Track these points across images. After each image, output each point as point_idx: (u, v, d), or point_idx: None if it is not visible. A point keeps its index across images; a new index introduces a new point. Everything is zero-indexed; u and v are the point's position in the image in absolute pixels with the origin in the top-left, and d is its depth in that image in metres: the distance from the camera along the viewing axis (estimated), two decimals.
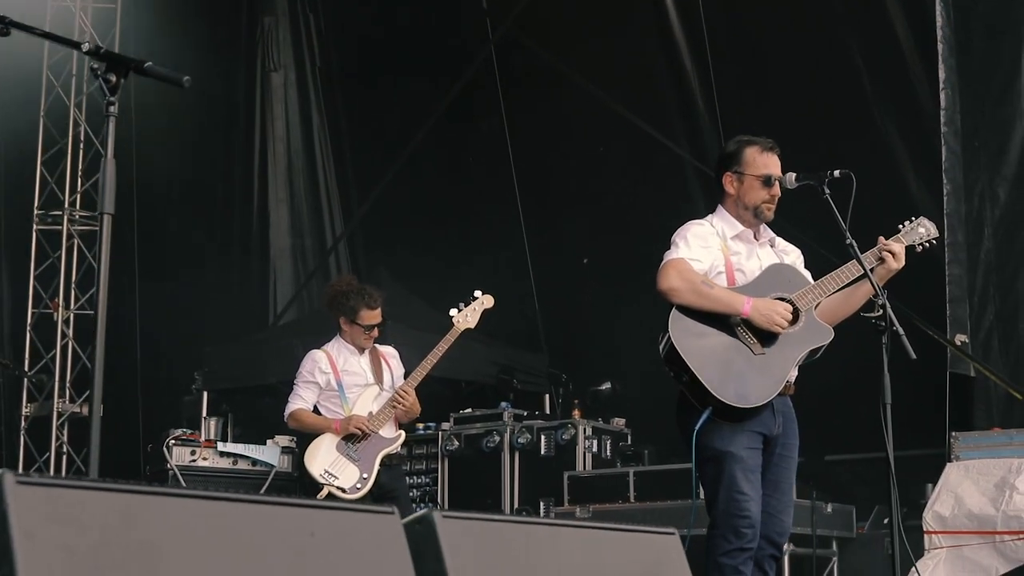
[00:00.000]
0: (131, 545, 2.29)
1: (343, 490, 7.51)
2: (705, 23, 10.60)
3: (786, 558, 8.28)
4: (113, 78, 4.04)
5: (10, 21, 4.04)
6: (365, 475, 7.56)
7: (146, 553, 2.32)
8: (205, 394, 11.32)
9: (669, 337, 5.39)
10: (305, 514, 2.66)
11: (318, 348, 7.92)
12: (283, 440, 9.53)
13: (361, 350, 7.86)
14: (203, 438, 9.83)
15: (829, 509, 8.80)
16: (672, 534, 3.63)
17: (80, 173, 12.84)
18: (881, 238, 5.56)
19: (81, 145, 12.91)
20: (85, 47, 4.07)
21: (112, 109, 4.03)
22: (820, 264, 5.84)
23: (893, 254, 5.49)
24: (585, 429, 9.72)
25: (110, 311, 12.17)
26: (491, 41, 12.01)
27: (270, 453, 9.54)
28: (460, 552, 2.76)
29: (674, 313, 5.42)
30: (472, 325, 7.79)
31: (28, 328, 12.62)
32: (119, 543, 2.28)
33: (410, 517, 2.87)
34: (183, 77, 4.17)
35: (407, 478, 9.93)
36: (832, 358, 5.61)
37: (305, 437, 7.86)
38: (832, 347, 5.53)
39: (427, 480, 10.14)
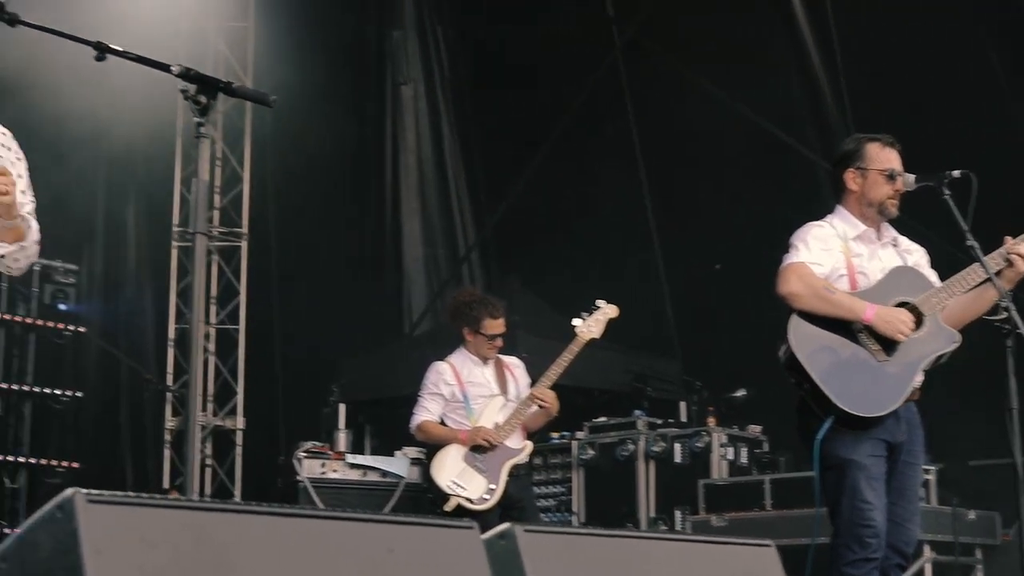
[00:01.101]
0: (202, 563, 2.29)
1: (471, 500, 7.51)
2: (833, 22, 10.44)
3: (928, 566, 8.10)
4: (203, 99, 4.07)
5: (105, 47, 4.10)
6: (492, 486, 7.55)
7: (218, 571, 2.31)
8: (342, 406, 11.41)
9: (789, 344, 5.28)
10: (383, 529, 2.63)
11: (442, 360, 7.93)
12: (412, 451, 9.55)
13: (485, 360, 7.85)
14: (334, 449, 9.91)
15: (972, 516, 8.59)
16: (768, 546, 3.53)
17: (217, 190, 13.06)
18: (1008, 238, 5.38)
19: (218, 162, 13.13)
20: (175, 69, 4.12)
21: (203, 130, 4.06)
22: (949, 262, 5.66)
23: (1022, 256, 5.31)
24: (720, 437, 9.64)
25: (250, 325, 12.42)
26: (617, 47, 11.96)
27: (399, 464, 9.57)
28: (542, 567, 2.72)
29: (794, 319, 5.32)
30: (597, 335, 7.73)
31: (170, 343, 12.84)
32: (190, 561, 2.28)
33: (491, 532, 2.83)
34: (270, 96, 4.22)
35: (542, 487, 9.95)
36: (976, 359, 5.43)
37: (433, 448, 7.86)
38: (981, 347, 5.35)
39: (562, 490, 10.12)
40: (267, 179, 12.96)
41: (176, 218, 12.80)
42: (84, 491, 2.15)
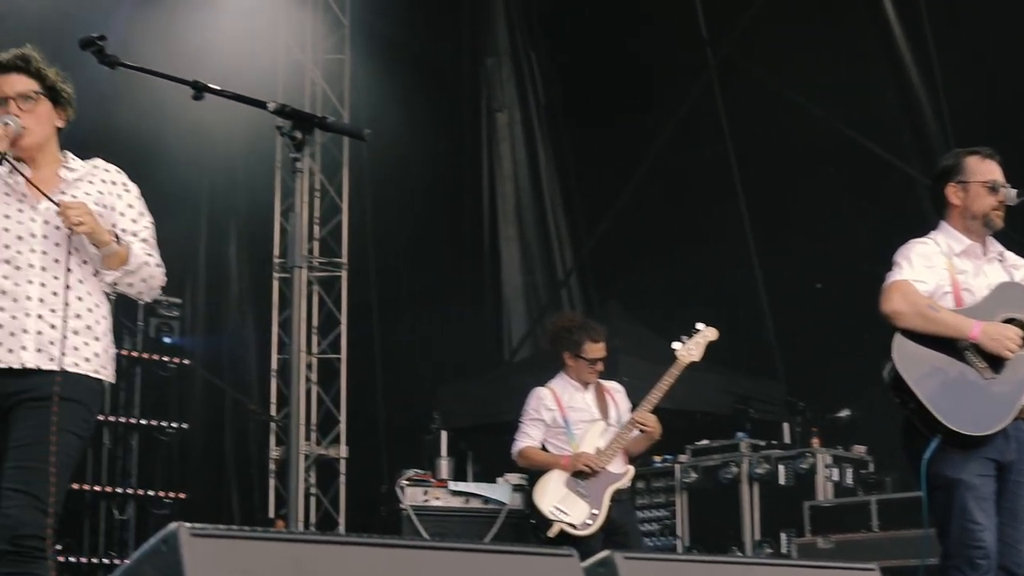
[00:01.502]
0: None
1: (573, 526, 7.49)
2: (931, 35, 10.32)
3: None
4: (298, 135, 4.14)
5: (203, 86, 4.18)
6: (595, 511, 7.52)
7: None
8: (444, 433, 11.44)
9: (893, 363, 5.21)
10: (483, 559, 2.63)
11: (543, 386, 7.92)
12: (513, 478, 9.55)
13: (586, 385, 7.83)
14: (436, 477, 9.94)
15: None
16: (872, 570, 3.47)
17: (316, 221, 13.19)
18: None
19: (317, 193, 13.26)
20: (271, 106, 4.20)
21: (299, 165, 4.12)
22: None
23: None
24: (825, 457, 9.53)
25: (351, 354, 12.52)
26: (711, 67, 11.92)
27: (501, 491, 9.57)
28: None
29: (898, 338, 5.25)
30: (697, 358, 7.70)
31: (273, 374, 12.96)
32: None
33: (591, 560, 2.81)
34: (364, 130, 4.29)
35: (645, 511, 9.91)
36: None
37: (535, 474, 7.85)
38: None
39: (665, 513, 10.06)
40: (366, 209, 13.07)
41: (276, 250, 12.93)
42: (188, 525, 2.17)
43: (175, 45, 11.54)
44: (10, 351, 4.37)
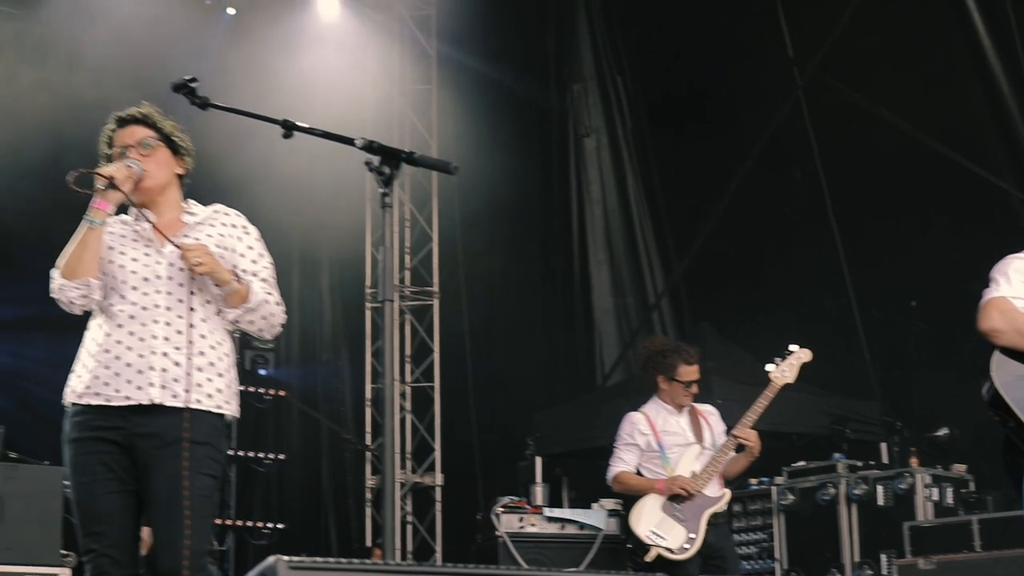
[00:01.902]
0: None
1: (671, 550, 7.47)
2: (1021, 45, 10.19)
3: None
4: (386, 170, 4.20)
5: (292, 125, 4.26)
6: (692, 535, 7.49)
7: None
8: (538, 459, 11.45)
9: (992, 381, 5.14)
10: None
11: (636, 410, 7.91)
12: (609, 503, 9.53)
13: (680, 408, 7.80)
14: (532, 503, 9.94)
15: None
16: None
17: (407, 250, 13.28)
18: None
19: (407, 223, 13.36)
20: (358, 143, 4.27)
21: (388, 200, 4.18)
22: None
23: None
24: (924, 477, 9.40)
25: (444, 382, 12.60)
26: (799, 86, 11.86)
27: (596, 516, 9.54)
28: None
29: (996, 356, 5.17)
30: (791, 380, 7.65)
31: (367, 403, 13.05)
32: None
33: None
34: (451, 164, 4.34)
35: (742, 534, 9.84)
36: None
37: (631, 499, 7.84)
38: None
39: (763, 536, 9.98)
40: (456, 237, 13.13)
41: (368, 280, 13.03)
42: (286, 558, 2.20)
43: (265, 83, 11.71)
44: (138, 388, 4.56)
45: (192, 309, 4.68)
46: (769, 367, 7.68)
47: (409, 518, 12.89)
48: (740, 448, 7.69)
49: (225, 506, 12.16)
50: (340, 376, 13.61)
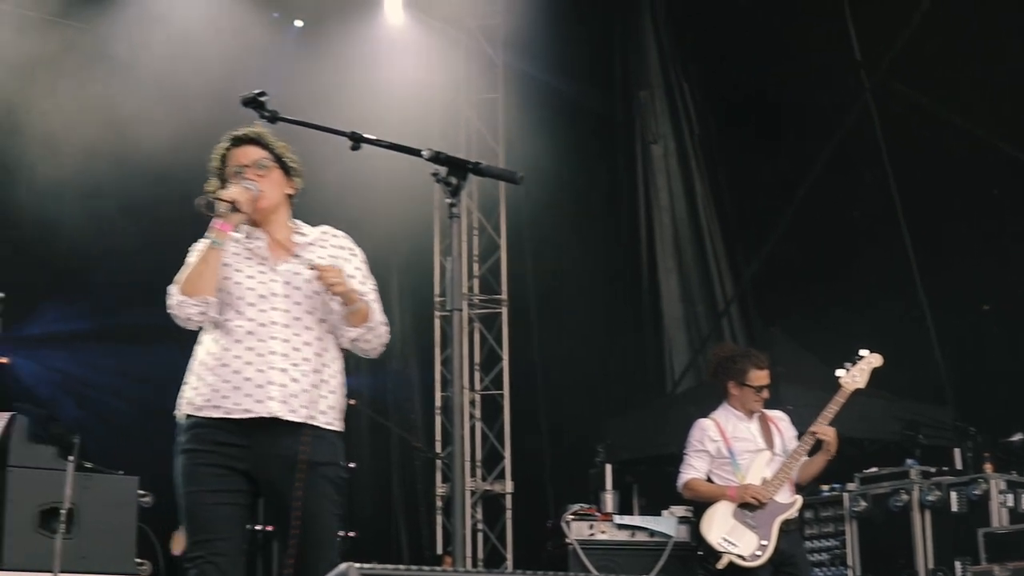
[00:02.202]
0: None
1: (742, 557, 7.45)
2: None
3: None
4: (453, 181, 4.25)
5: (360, 137, 4.32)
6: (764, 542, 7.47)
7: None
8: (608, 466, 11.44)
9: None
10: None
11: (706, 417, 7.89)
12: (679, 510, 9.51)
13: (751, 414, 7.78)
14: (602, 510, 9.94)
15: None
16: None
17: (475, 258, 13.33)
18: None
19: (475, 231, 13.40)
20: (425, 154, 4.34)
21: (455, 211, 4.24)
22: None
23: None
24: (999, 483, 9.29)
25: (514, 389, 12.62)
26: (867, 90, 11.80)
27: (667, 524, 9.53)
28: None
29: None
30: (861, 385, 7.63)
31: (437, 411, 13.10)
32: None
33: None
34: (517, 174, 4.38)
35: (814, 541, 9.79)
36: None
37: (701, 506, 7.83)
38: None
39: (835, 543, 9.91)
40: (524, 244, 13.16)
41: (437, 288, 13.09)
42: (357, 565, 2.22)
43: (332, 94, 11.81)
44: (258, 401, 4.67)
45: (308, 327, 4.82)
46: (839, 372, 7.66)
47: (479, 526, 12.93)
48: (814, 450, 7.66)
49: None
50: (410, 385, 13.68)
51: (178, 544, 10.70)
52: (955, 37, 11.15)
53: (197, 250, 4.82)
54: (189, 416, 4.73)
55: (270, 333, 4.75)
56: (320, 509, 4.68)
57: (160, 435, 11.51)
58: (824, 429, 7.56)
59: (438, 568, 2.45)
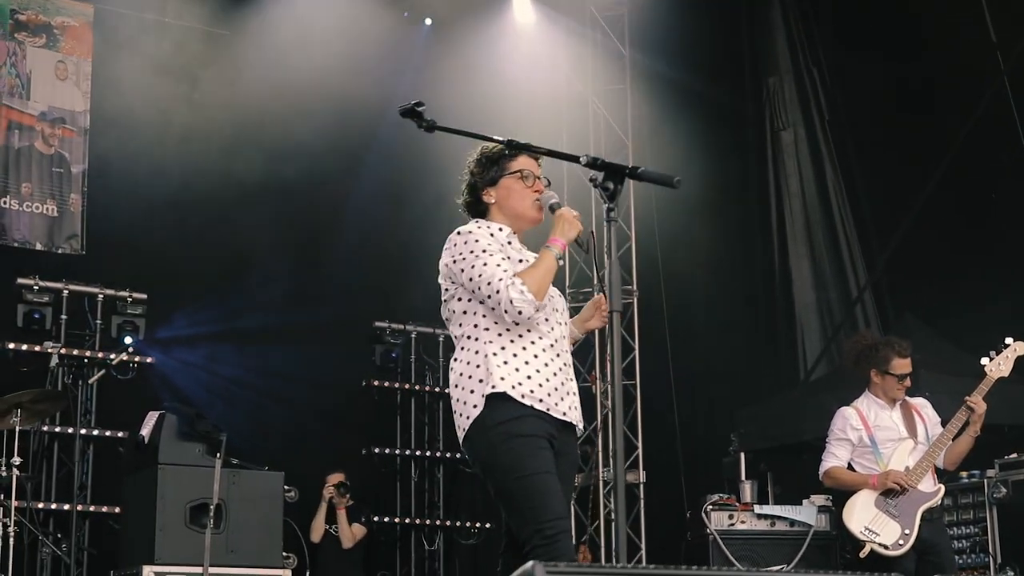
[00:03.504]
0: None
1: (885, 547, 7.40)
2: None
3: None
4: (611, 185, 4.29)
5: (516, 144, 4.40)
6: (907, 531, 7.42)
7: None
8: (742, 455, 11.43)
9: None
10: None
11: (847, 405, 7.86)
12: (819, 499, 9.48)
13: (893, 402, 7.73)
14: (741, 500, 9.94)
15: None
16: None
17: (606, 249, 13.31)
18: None
19: (604, 222, 13.39)
20: (583, 159, 4.41)
21: (612, 215, 4.28)
22: None
23: None
24: None
25: (645, 380, 12.57)
26: (1004, 71, 11.61)
27: (807, 513, 9.51)
28: None
29: None
30: (1005, 374, 7.54)
31: None
32: None
33: None
34: (674, 178, 4.39)
35: (953, 528, 9.70)
36: None
37: (841, 495, 7.80)
38: None
39: (976, 530, 9.81)
40: (654, 235, 13.15)
41: (568, 279, 13.12)
42: (543, 563, 2.28)
43: (465, 89, 11.93)
44: (571, 408, 4.98)
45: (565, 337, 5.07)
46: (984, 360, 7.57)
47: (613, 515, 12.94)
48: (960, 431, 7.58)
49: (433, 507, 12.41)
50: None
51: (316, 533, 10.93)
52: None
53: (498, 251, 4.95)
54: (528, 405, 4.84)
55: (564, 346, 5.02)
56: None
57: (302, 431, 11.79)
58: (976, 400, 7.49)
59: (627, 565, 2.50)
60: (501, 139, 4.66)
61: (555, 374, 4.89)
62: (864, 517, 7.51)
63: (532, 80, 12.64)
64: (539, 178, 5.07)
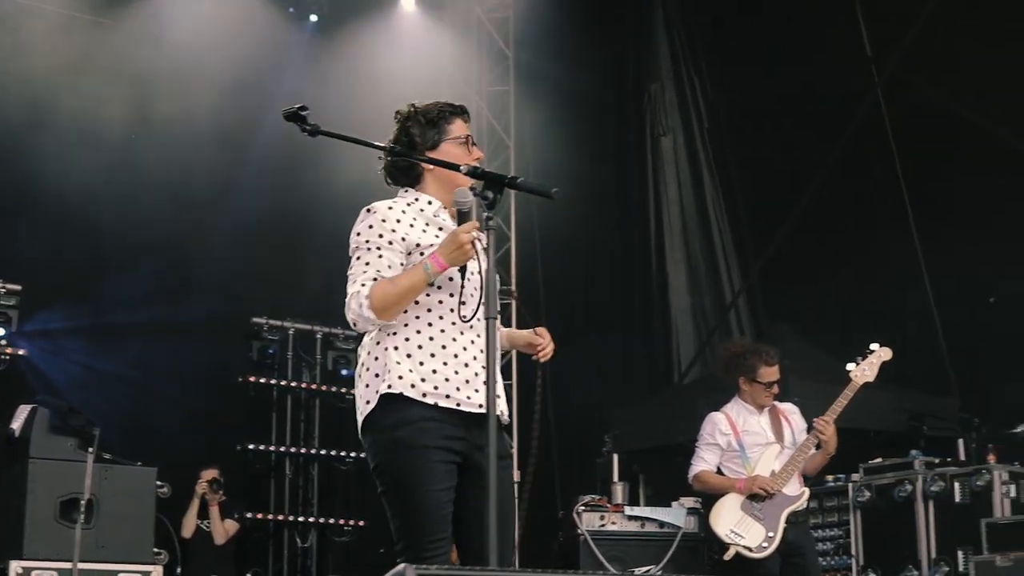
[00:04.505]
0: None
1: (749, 549, 7.55)
2: None
3: None
4: (490, 195, 4.29)
5: (399, 152, 4.39)
6: (771, 533, 7.57)
7: None
8: (615, 456, 11.54)
9: None
10: None
11: (717, 410, 8.01)
12: (688, 501, 9.63)
13: (761, 408, 7.89)
14: (612, 502, 10.05)
15: None
16: None
17: (484, 256, 13.36)
18: None
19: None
20: (463, 168, 4.38)
21: (491, 223, 4.26)
22: None
23: None
24: (1001, 474, 9.40)
25: (522, 380, 12.58)
26: (878, 85, 11.87)
27: (676, 515, 9.64)
28: None
29: None
30: (871, 379, 7.73)
31: None
32: None
33: None
34: (552, 189, 4.37)
35: (819, 531, 9.90)
36: None
37: (710, 498, 7.95)
38: None
39: (839, 533, 10.03)
40: (534, 236, 13.22)
41: None
42: (414, 566, 2.33)
43: (348, 87, 11.91)
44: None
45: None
46: (850, 366, 7.76)
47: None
48: (819, 444, 7.76)
49: (307, 504, 12.38)
50: None
51: (188, 528, 10.87)
52: (963, 32, 11.21)
53: (383, 247, 4.59)
54: (431, 404, 4.52)
55: (482, 330, 4.54)
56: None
57: (177, 426, 11.68)
58: (824, 427, 7.64)
59: (489, 568, 2.56)
60: (384, 145, 4.62)
61: (467, 364, 4.53)
62: (730, 520, 7.65)
63: (416, 80, 12.63)
64: (475, 144, 4.79)
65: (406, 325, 4.55)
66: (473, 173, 4.38)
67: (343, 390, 12.11)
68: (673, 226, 13.68)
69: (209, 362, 11.84)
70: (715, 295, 13.48)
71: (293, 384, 12.34)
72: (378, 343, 4.56)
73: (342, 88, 11.83)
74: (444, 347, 4.54)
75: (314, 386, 12.32)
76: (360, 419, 4.58)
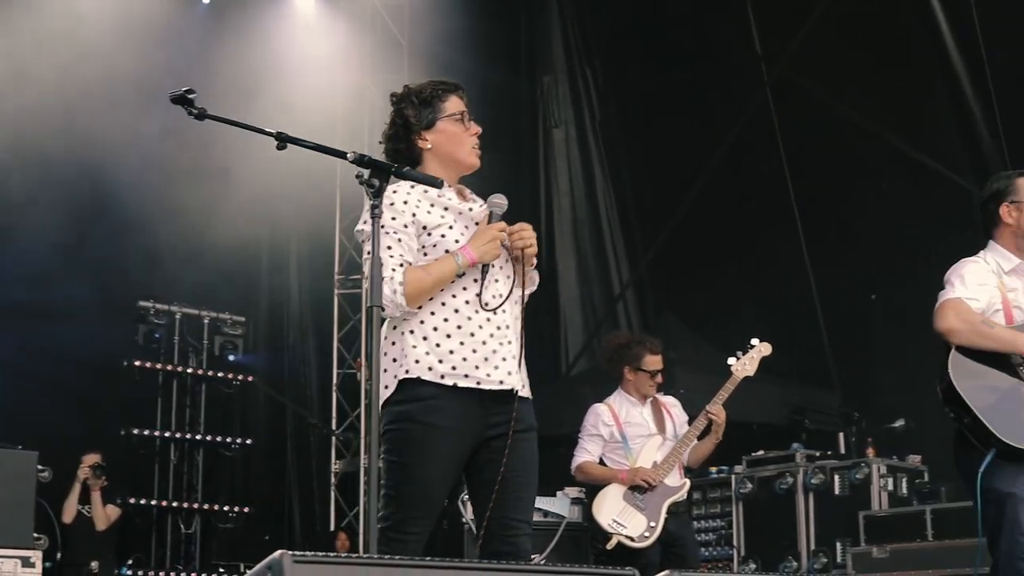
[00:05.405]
0: None
1: (631, 539, 7.61)
2: (985, 51, 10.36)
3: None
4: (376, 183, 4.29)
5: (286, 137, 4.37)
6: (652, 523, 7.65)
7: None
8: None
9: (949, 378, 5.31)
10: None
11: (600, 401, 8.07)
12: (572, 491, 9.67)
13: (644, 399, 7.97)
14: None
15: None
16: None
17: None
18: None
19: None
20: (350, 156, 4.36)
21: (377, 211, 4.27)
22: None
23: None
24: (880, 467, 9.59)
25: None
26: (766, 84, 12.02)
27: (560, 504, 9.67)
28: None
29: (953, 354, 5.34)
30: (751, 373, 7.82)
31: (334, 388, 13.15)
32: None
33: None
34: (439, 180, 4.41)
35: (701, 521, 10.03)
36: None
37: (593, 488, 8.01)
38: None
39: (722, 523, 10.16)
40: None
41: (337, 267, 13.11)
42: (291, 553, 2.34)
43: (240, 72, 11.78)
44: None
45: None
46: (731, 360, 7.84)
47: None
48: (704, 433, 7.85)
49: (192, 490, 12.28)
50: (307, 361, 13.71)
51: (69, 513, 10.72)
52: (851, 34, 11.40)
53: (399, 229, 4.58)
54: (450, 385, 4.54)
55: (505, 306, 4.68)
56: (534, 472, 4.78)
57: (59, 410, 11.50)
58: (717, 410, 7.75)
59: (368, 556, 2.57)
60: (271, 132, 4.60)
61: (484, 343, 4.51)
62: (612, 510, 7.71)
63: (309, 67, 12.55)
64: (472, 120, 4.84)
65: (420, 307, 4.53)
66: (360, 161, 4.37)
67: (229, 375, 12.03)
68: (563, 217, 13.75)
69: (94, 345, 11.67)
70: (604, 287, 13.57)
71: (179, 369, 12.23)
72: (395, 327, 4.55)
73: (234, 74, 11.66)
74: (460, 327, 4.53)
75: (200, 371, 12.22)
76: (379, 402, 4.53)
